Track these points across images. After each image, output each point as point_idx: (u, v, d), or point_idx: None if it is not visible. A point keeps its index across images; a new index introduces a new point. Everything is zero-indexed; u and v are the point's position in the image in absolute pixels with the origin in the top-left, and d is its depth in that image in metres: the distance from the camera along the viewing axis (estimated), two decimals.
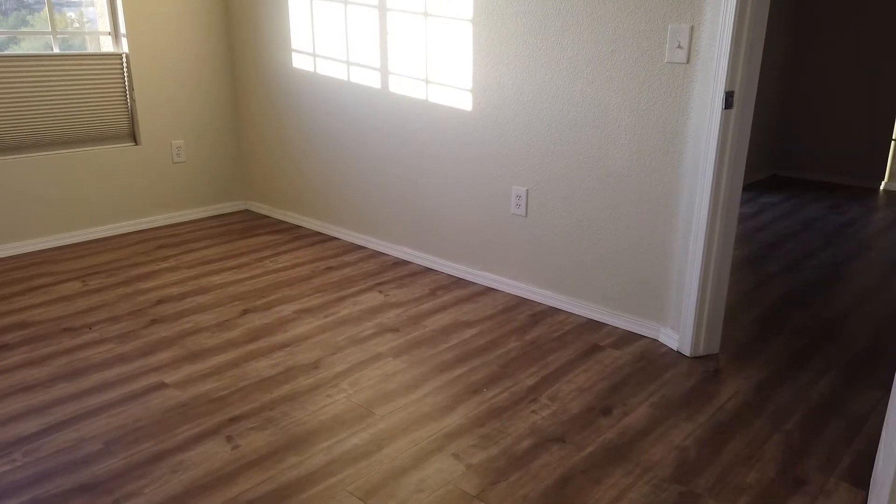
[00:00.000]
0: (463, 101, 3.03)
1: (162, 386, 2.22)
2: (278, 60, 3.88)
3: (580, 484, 1.76)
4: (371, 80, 3.41)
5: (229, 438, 1.94)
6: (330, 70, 3.60)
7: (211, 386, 2.23)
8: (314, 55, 3.67)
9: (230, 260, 3.47)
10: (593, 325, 2.71)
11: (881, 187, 5.22)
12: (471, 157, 3.07)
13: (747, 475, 1.79)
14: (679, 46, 2.32)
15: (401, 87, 3.28)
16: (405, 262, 3.45)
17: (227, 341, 2.56)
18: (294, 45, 3.76)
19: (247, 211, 4.42)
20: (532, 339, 2.58)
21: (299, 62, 3.76)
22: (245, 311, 2.83)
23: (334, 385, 2.24)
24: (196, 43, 4.02)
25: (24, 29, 3.54)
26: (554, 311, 2.85)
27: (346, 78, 3.54)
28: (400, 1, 3.15)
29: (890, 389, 2.23)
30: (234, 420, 2.03)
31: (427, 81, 3.15)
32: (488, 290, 3.08)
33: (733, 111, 2.22)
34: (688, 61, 2.31)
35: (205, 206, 4.28)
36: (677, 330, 2.51)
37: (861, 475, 1.79)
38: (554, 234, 2.85)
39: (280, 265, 3.40)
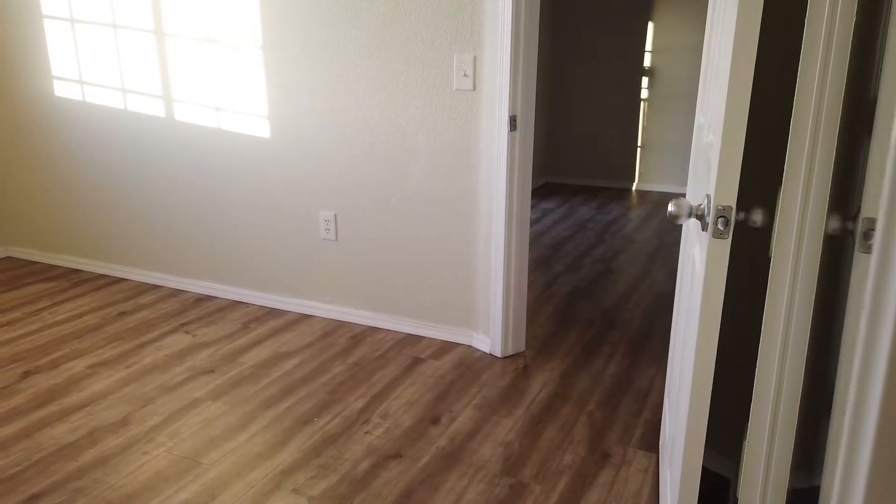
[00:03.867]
0: (259, 127, 2.98)
1: None
2: (36, 89, 3.47)
3: (421, 495, 1.83)
4: (153, 109, 3.20)
5: None
6: (102, 98, 3.31)
7: None
8: (81, 82, 3.35)
9: None
10: (412, 340, 2.82)
11: (633, 188, 6.06)
12: (273, 184, 3.02)
13: (563, 458, 2.00)
14: (465, 75, 2.52)
15: (189, 115, 3.12)
16: (210, 298, 3.28)
17: (9, 410, 2.24)
18: (55, 71, 3.39)
19: (8, 258, 3.87)
20: (355, 361, 2.62)
21: (63, 90, 3.41)
22: (26, 373, 2.50)
23: (150, 440, 2.08)
24: None
25: None
26: (373, 330, 2.91)
27: (122, 106, 3.28)
28: (179, 26, 3.00)
29: (662, 364, 2.62)
30: (34, 499, 1.79)
31: (218, 109, 3.04)
32: (304, 318, 3.05)
33: (517, 132, 2.46)
34: (474, 88, 2.52)
35: None
36: (488, 334, 2.71)
37: (651, 441, 2.10)
38: (366, 256, 2.91)
39: (62, 316, 3.04)
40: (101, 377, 2.48)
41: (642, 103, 5.87)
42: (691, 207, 1.19)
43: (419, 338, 2.84)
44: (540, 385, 2.44)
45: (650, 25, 5.71)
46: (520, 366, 2.59)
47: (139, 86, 3.20)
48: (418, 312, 2.86)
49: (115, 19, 3.15)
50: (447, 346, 2.76)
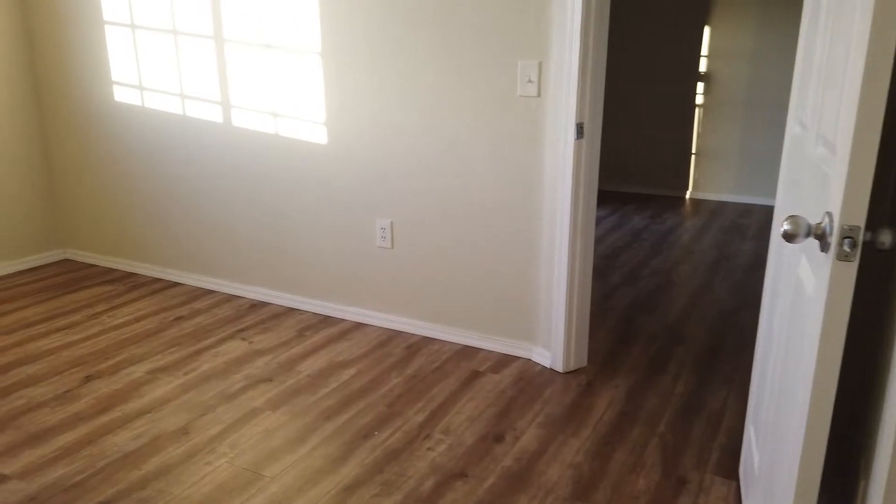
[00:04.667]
0: (317, 134, 2.96)
1: (1, 479, 1.90)
2: (96, 94, 3.52)
3: None
4: (211, 114, 3.21)
5: None
6: (161, 104, 3.33)
7: (63, 471, 1.94)
8: (141, 88, 3.38)
9: (58, 319, 3.07)
10: (469, 352, 2.75)
11: (687, 196, 5.90)
12: (330, 191, 3.00)
13: (637, 482, 1.91)
14: (529, 81, 2.45)
15: (246, 120, 3.12)
16: (264, 304, 3.27)
17: (72, 415, 2.24)
18: (115, 77, 3.44)
19: (67, 261, 3.93)
20: (413, 373, 2.56)
21: (123, 95, 3.44)
22: (88, 378, 2.51)
23: (211, 450, 2.05)
24: None
25: None
26: (429, 341, 2.86)
27: (181, 112, 3.30)
28: (238, 32, 3.00)
29: (733, 384, 2.50)
30: None
31: (276, 115, 3.03)
32: (359, 326, 3.01)
33: (584, 140, 2.38)
34: (539, 95, 2.45)
35: (14, 259, 3.75)
36: (549, 348, 2.63)
37: (729, 467, 1.99)
38: (422, 265, 2.86)
39: (120, 320, 3.06)
40: (160, 383, 2.47)
41: (697, 109, 5.71)
42: (810, 226, 1.10)
43: (476, 350, 2.77)
44: (606, 403, 2.35)
45: (706, 30, 5.55)
46: (583, 382, 2.51)
47: (197, 91, 3.21)
48: (475, 324, 2.80)
49: (175, 25, 3.17)
50: (506, 360, 2.68)
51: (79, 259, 3.93)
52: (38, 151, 3.78)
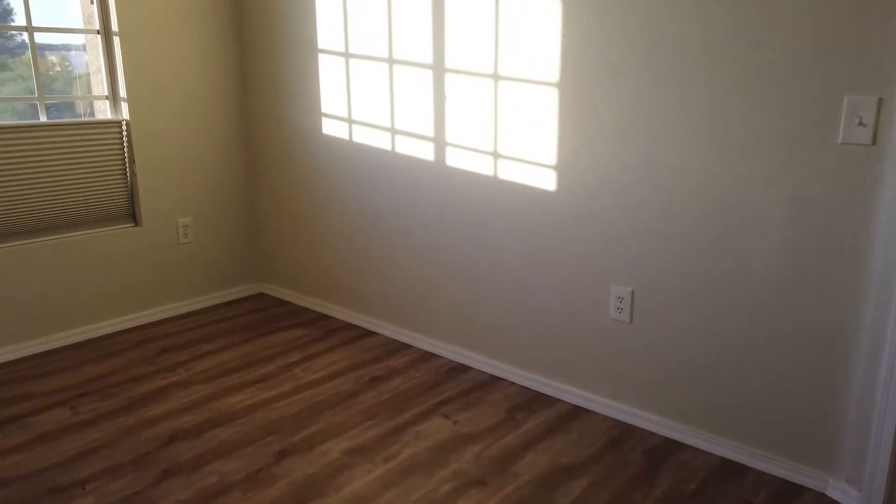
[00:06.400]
0: (544, 179, 2.50)
1: None
2: (305, 126, 3.35)
3: None
4: (423, 152, 2.87)
5: None
6: (370, 138, 3.06)
7: None
8: (350, 121, 3.14)
9: (252, 368, 2.86)
10: (732, 469, 2.12)
11: None
12: (556, 246, 2.52)
13: None
14: (860, 124, 1.80)
15: (461, 160, 2.74)
16: (464, 368, 2.86)
17: None
18: (325, 109, 3.23)
19: (262, 296, 3.82)
20: (664, 495, 1.98)
21: (331, 128, 3.23)
22: (282, 453, 2.22)
23: None
24: (207, 108, 3.48)
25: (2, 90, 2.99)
26: (674, 445, 2.26)
27: (389, 147, 3.00)
28: (462, 61, 2.63)
29: None
30: None
31: (496, 155, 2.62)
32: (579, 412, 2.49)
33: None
34: (873, 143, 1.79)
35: (213, 292, 3.68)
36: (857, 485, 1.93)
37: None
38: (669, 348, 2.28)
39: (314, 376, 2.79)
40: (359, 471, 2.11)
41: None
42: None
43: (741, 468, 2.13)
44: None
45: None
46: None
47: (409, 125, 2.89)
48: (742, 433, 2.16)
49: (391, 53, 2.88)
50: (786, 490, 2.02)
51: (274, 294, 3.80)
52: (243, 187, 3.71)
